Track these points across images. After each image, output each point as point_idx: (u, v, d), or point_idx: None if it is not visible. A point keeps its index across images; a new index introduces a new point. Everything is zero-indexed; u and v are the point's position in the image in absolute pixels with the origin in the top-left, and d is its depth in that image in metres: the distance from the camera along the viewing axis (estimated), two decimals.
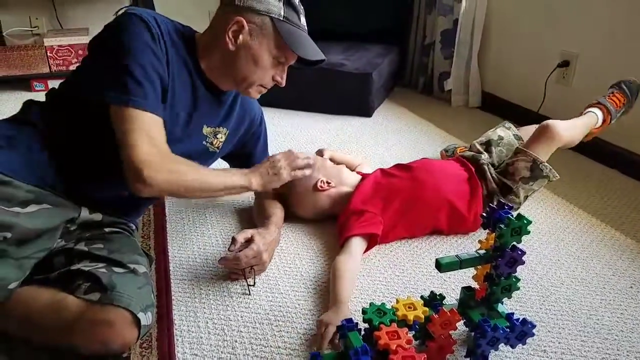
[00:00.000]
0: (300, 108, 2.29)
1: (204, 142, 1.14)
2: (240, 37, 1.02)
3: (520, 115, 2.15)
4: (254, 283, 1.10)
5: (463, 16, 2.27)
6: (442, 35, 2.40)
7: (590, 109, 1.48)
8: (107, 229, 1.04)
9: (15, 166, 0.92)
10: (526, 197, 1.32)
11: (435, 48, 2.47)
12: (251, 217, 1.37)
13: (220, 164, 1.29)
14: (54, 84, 2.43)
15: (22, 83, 2.43)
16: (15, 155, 0.94)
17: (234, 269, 1.10)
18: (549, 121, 1.35)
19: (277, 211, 1.28)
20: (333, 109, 2.27)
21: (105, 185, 1.03)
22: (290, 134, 2.00)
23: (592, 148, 1.82)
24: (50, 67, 2.41)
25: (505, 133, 1.48)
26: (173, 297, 1.06)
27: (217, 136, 1.16)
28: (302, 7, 1.08)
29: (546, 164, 1.30)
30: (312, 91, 2.21)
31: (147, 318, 0.88)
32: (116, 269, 0.92)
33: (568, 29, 1.92)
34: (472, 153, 1.40)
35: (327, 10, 2.56)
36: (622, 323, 1.02)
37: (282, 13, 1.03)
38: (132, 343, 0.88)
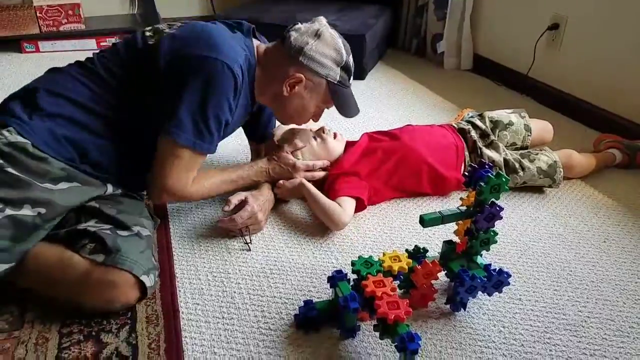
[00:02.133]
0: None
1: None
2: (296, 87, 1.14)
3: (510, 78, 2.18)
4: (251, 241, 1.16)
5: None
6: None
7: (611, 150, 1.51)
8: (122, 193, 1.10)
9: (51, 142, 0.96)
10: (524, 184, 1.37)
11: (428, 9, 2.46)
12: None
13: None
14: (45, 45, 2.45)
15: (12, 44, 2.41)
16: (54, 130, 0.97)
17: (231, 229, 1.16)
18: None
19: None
20: None
21: (136, 171, 1.09)
22: None
23: (572, 108, 1.87)
24: (40, 28, 2.39)
25: (517, 120, 1.48)
26: (174, 253, 1.13)
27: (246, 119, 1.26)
28: (353, 66, 1.20)
29: (562, 170, 1.35)
30: None
31: (149, 280, 0.95)
32: (121, 232, 0.97)
33: None
34: (462, 126, 1.43)
35: None
36: (593, 274, 1.10)
37: (338, 78, 1.16)
38: (133, 303, 0.95)
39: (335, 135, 1.36)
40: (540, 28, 1.97)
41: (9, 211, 0.89)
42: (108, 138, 1.03)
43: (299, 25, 1.15)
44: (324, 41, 1.13)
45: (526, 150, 1.42)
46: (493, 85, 2.25)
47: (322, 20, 1.17)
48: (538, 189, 1.40)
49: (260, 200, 1.20)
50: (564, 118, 1.89)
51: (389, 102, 2.04)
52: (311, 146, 1.32)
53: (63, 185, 0.96)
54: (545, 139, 1.57)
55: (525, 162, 1.35)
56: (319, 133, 1.34)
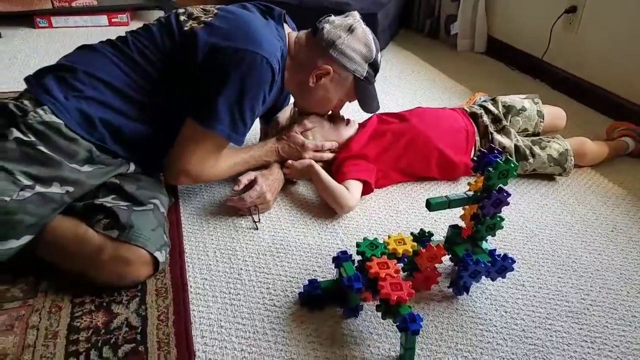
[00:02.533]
0: None
1: None
2: (322, 79, 1.16)
3: (524, 62, 2.14)
4: (259, 219, 1.18)
5: None
6: None
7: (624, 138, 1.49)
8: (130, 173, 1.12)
9: (84, 124, 0.98)
10: (534, 171, 1.36)
11: None
12: None
13: None
14: (58, 20, 2.45)
15: (25, 19, 2.41)
16: (88, 112, 0.98)
17: (240, 208, 1.18)
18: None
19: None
20: None
21: (163, 154, 1.10)
22: None
23: (591, 95, 1.83)
24: (52, 3, 2.38)
25: (530, 106, 1.46)
26: (183, 230, 1.15)
27: None
28: (381, 63, 1.21)
29: (572, 158, 1.34)
30: None
31: (162, 256, 0.97)
32: (136, 208, 0.99)
33: None
34: (474, 110, 1.42)
35: None
36: (599, 263, 1.10)
37: (364, 74, 1.17)
38: (145, 279, 0.97)
39: (348, 122, 1.35)
40: (557, 11, 1.92)
41: (39, 188, 0.91)
42: (141, 122, 1.05)
43: (333, 17, 1.17)
44: (356, 36, 1.14)
45: (538, 137, 1.41)
46: (506, 68, 2.21)
47: (356, 15, 1.18)
48: (547, 176, 1.39)
49: (270, 180, 1.21)
50: (578, 104, 1.86)
51: (400, 84, 2.02)
52: (323, 130, 1.31)
53: (87, 167, 0.99)
54: (558, 125, 1.55)
55: (536, 149, 1.34)
56: (332, 117, 1.34)
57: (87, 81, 1.00)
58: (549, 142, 1.37)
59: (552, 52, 2.00)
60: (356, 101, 1.25)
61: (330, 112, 1.31)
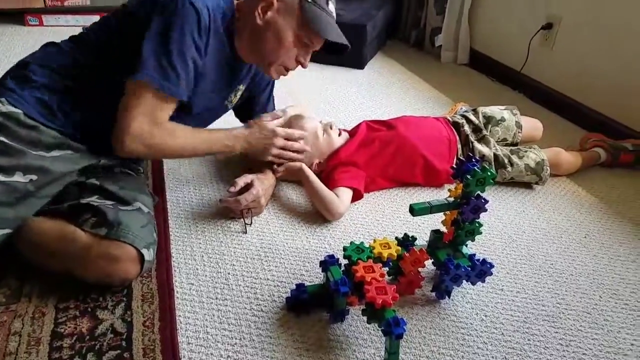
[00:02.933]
0: None
1: (225, 102, 1.25)
2: (269, 13, 1.07)
3: (504, 74, 2.21)
4: (251, 223, 1.20)
5: None
6: None
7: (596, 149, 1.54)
8: (116, 169, 1.12)
9: (42, 111, 0.99)
10: (512, 179, 1.41)
11: (428, 3, 2.47)
12: (245, 158, 1.43)
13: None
14: (49, 19, 2.42)
15: (16, 17, 2.39)
16: (44, 99, 1.00)
17: (234, 210, 1.19)
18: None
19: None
20: (326, 59, 2.28)
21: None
22: (282, 80, 2.03)
23: (567, 108, 1.91)
24: (45, 2, 2.37)
25: (509, 117, 1.51)
26: (170, 233, 1.15)
27: (237, 94, 1.26)
28: None
29: (548, 168, 1.39)
30: None
31: (149, 254, 0.97)
32: (122, 207, 1.00)
33: None
34: (457, 120, 1.46)
35: None
36: (573, 268, 1.14)
37: None
38: (134, 277, 0.97)
39: (340, 133, 1.38)
40: (534, 27, 2.00)
41: (0, 177, 0.91)
42: (99, 105, 1.02)
43: None
44: None
45: (516, 147, 1.46)
46: (487, 80, 2.28)
47: None
48: (525, 184, 1.44)
49: (265, 185, 1.23)
50: (554, 115, 1.93)
51: (387, 92, 2.06)
52: (315, 140, 1.33)
53: (55, 152, 0.99)
54: (534, 136, 1.61)
55: (514, 159, 1.39)
56: (326, 127, 1.36)
57: (40, 72, 1.02)
58: (526, 152, 1.42)
59: (530, 66, 2.07)
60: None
61: (304, 61, 1.16)
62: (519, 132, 1.52)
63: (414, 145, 1.35)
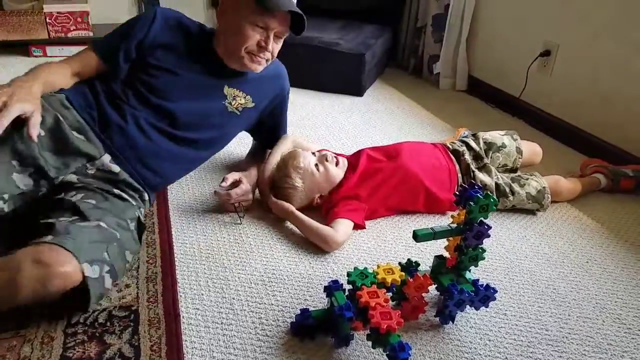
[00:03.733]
0: (295, 85, 2.36)
1: (224, 102, 1.32)
2: (224, 14, 1.24)
3: (502, 100, 2.26)
4: (243, 215, 1.33)
5: (454, 1, 2.34)
6: (433, 19, 2.47)
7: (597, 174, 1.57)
8: (115, 190, 1.13)
9: (76, 100, 1.16)
10: (513, 207, 1.43)
11: (426, 31, 2.54)
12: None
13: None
14: (52, 50, 2.50)
15: (20, 48, 2.47)
16: (76, 94, 1.18)
17: (225, 203, 1.32)
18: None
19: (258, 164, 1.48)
20: (326, 87, 2.35)
21: (121, 122, 1.18)
22: None
23: (565, 133, 1.94)
24: (49, 34, 2.44)
25: (510, 142, 1.54)
26: (175, 259, 1.17)
27: (236, 99, 1.34)
28: None
29: (549, 195, 1.42)
30: (307, 69, 2.29)
31: (93, 271, 0.92)
32: (80, 223, 0.98)
33: (551, 20, 2.00)
34: (456, 147, 1.48)
35: None
36: (575, 292, 1.15)
37: None
38: (70, 287, 0.90)
39: (337, 163, 1.37)
40: (532, 54, 2.06)
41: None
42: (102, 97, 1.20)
43: None
44: None
45: (517, 174, 1.48)
46: (486, 106, 2.33)
47: None
48: (527, 210, 1.46)
49: (253, 178, 1.39)
50: (553, 141, 1.96)
51: (386, 119, 2.10)
52: (313, 177, 1.34)
53: (75, 133, 1.11)
54: (534, 161, 1.64)
55: (516, 187, 1.41)
56: (322, 160, 1.35)
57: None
58: (527, 179, 1.44)
59: (529, 92, 2.12)
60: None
61: (265, 44, 1.23)
62: (519, 158, 1.55)
63: (416, 175, 1.36)
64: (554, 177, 1.50)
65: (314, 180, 1.34)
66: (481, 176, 1.42)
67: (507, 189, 1.40)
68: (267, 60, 1.28)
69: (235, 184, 1.31)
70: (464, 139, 1.53)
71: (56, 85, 1.16)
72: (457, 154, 1.46)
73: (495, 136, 1.55)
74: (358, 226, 1.31)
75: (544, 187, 1.42)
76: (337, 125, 1.99)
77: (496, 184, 1.41)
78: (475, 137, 1.54)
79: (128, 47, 1.23)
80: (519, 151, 1.55)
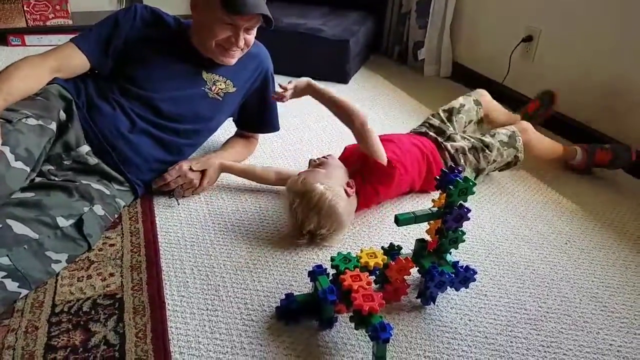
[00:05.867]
0: (279, 72, 2.35)
1: (203, 88, 1.33)
2: (195, 11, 1.26)
3: (486, 86, 2.26)
4: (181, 197, 1.34)
5: None
6: (417, 5, 2.47)
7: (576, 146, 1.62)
8: (84, 181, 1.14)
9: (72, 89, 1.20)
10: (494, 162, 1.45)
11: (410, 17, 2.54)
12: (236, 179, 1.47)
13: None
14: (31, 39, 2.45)
15: None
16: (65, 82, 1.21)
17: (163, 188, 1.33)
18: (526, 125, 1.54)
19: (229, 153, 1.49)
20: (310, 75, 2.30)
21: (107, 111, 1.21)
22: None
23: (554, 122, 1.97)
24: (27, 22, 2.39)
25: (466, 100, 1.61)
26: (160, 247, 1.17)
27: (216, 84, 1.34)
28: None
29: (520, 138, 1.46)
30: (290, 56, 2.27)
31: None
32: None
33: (534, 5, 2.02)
34: (419, 130, 1.52)
35: None
36: (554, 273, 1.18)
37: None
38: None
39: (324, 158, 1.30)
40: (515, 40, 2.07)
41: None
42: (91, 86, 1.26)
43: None
44: None
45: (484, 133, 1.53)
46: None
47: None
48: (507, 191, 1.49)
49: (193, 162, 1.35)
50: (537, 127, 1.99)
51: (371, 106, 2.11)
52: (333, 173, 1.23)
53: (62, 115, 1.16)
54: (493, 108, 1.68)
55: (487, 139, 1.46)
56: (314, 165, 1.27)
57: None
58: (495, 130, 1.50)
59: (512, 78, 2.14)
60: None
61: (235, 41, 1.25)
62: (480, 109, 1.61)
63: (414, 187, 1.43)
64: (521, 123, 1.56)
65: (328, 176, 1.20)
66: (453, 144, 1.45)
67: (481, 144, 1.44)
68: (241, 51, 1.30)
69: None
70: (426, 120, 1.57)
71: (27, 92, 1.13)
72: (423, 135, 1.50)
73: (452, 102, 1.60)
74: (364, 204, 1.30)
75: (513, 132, 1.47)
76: (322, 113, 1.98)
77: (469, 144, 1.45)
78: (433, 115, 1.58)
79: (115, 45, 1.27)
80: (477, 103, 1.62)
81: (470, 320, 1.02)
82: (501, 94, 2.17)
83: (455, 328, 1.00)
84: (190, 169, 1.34)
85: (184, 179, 1.33)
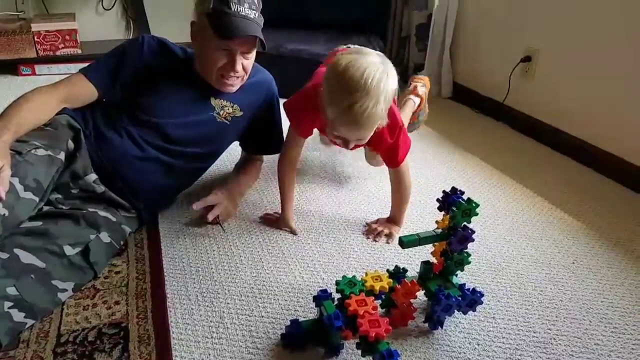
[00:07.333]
0: (284, 97, 2.38)
1: (212, 113, 1.35)
2: (195, 39, 1.30)
3: (486, 106, 2.30)
4: (225, 228, 1.36)
5: (436, 11, 2.38)
6: (417, 29, 2.51)
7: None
8: (91, 209, 1.16)
9: (80, 119, 1.23)
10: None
11: (410, 41, 2.58)
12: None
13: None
14: (41, 69, 2.51)
15: (9, 67, 2.47)
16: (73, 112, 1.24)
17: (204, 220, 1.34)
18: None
19: (246, 180, 1.53)
20: None
21: (113, 139, 1.23)
22: None
23: (551, 138, 1.98)
24: (37, 52, 2.45)
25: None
26: (165, 274, 1.17)
27: (224, 109, 1.36)
28: None
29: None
30: (295, 81, 2.28)
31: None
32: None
33: (532, 26, 2.05)
34: None
35: (312, 1, 2.66)
36: (562, 294, 1.17)
37: (211, 6, 1.21)
38: None
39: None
40: (514, 60, 2.10)
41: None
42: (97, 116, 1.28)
43: None
44: None
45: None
46: (471, 112, 2.36)
47: None
48: (512, 213, 1.48)
49: (231, 194, 1.40)
50: (537, 144, 2.00)
51: None
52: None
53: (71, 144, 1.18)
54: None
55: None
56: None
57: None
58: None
59: (512, 97, 2.16)
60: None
61: (232, 67, 1.27)
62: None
63: None
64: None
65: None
66: None
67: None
68: (240, 78, 1.32)
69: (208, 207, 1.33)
70: None
71: (36, 123, 1.15)
72: None
73: None
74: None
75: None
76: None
77: None
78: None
79: (124, 75, 1.30)
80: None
81: (478, 345, 1.01)
82: (502, 112, 2.20)
83: (464, 353, 0.99)
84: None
85: (224, 213, 1.37)
